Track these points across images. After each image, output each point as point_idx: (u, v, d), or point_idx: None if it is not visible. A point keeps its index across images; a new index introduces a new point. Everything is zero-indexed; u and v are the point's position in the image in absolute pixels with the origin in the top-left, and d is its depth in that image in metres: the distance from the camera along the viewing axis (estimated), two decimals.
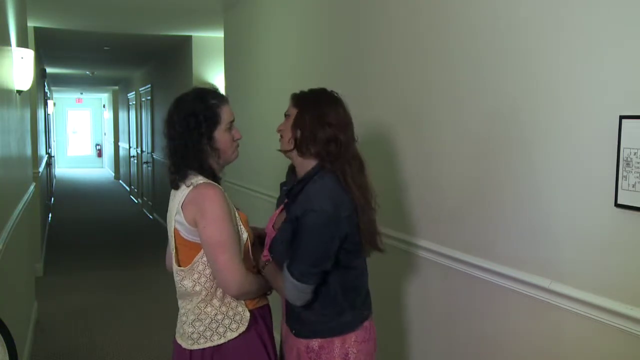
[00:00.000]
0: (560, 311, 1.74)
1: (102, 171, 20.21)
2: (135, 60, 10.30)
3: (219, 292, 1.98)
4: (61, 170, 18.80)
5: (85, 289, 5.97)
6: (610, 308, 1.57)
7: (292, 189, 2.01)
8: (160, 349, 4.32)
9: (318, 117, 1.96)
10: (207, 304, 1.98)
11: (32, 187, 5.06)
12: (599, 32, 1.61)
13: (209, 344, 1.96)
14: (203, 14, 5.97)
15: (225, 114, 2.02)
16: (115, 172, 17.19)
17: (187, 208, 1.93)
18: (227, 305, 1.99)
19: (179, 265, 2.00)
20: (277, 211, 2.15)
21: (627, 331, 1.53)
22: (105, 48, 8.60)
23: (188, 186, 1.95)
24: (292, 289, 1.92)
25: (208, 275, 1.97)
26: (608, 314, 1.58)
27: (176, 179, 1.99)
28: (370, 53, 2.84)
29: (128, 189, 14.07)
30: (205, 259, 1.96)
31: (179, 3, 5.54)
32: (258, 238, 2.16)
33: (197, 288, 1.98)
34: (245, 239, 2.01)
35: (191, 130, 1.96)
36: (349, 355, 2.00)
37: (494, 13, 2.01)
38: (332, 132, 1.95)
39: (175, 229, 1.98)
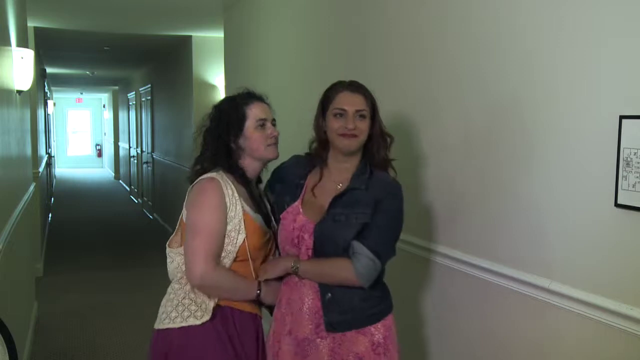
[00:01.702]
0: (560, 311, 1.74)
1: (102, 171, 20.21)
2: (135, 60, 10.30)
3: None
4: (61, 170, 18.79)
5: (85, 289, 5.97)
6: (611, 308, 1.57)
7: (355, 185, 1.97)
8: None
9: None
10: (180, 287, 2.01)
11: (32, 187, 5.06)
12: (599, 32, 1.61)
13: (170, 325, 1.96)
14: (203, 14, 5.97)
15: (253, 111, 2.05)
16: (115, 172, 17.19)
17: (188, 196, 2.03)
18: (197, 292, 1.98)
19: (169, 246, 2.08)
20: (296, 204, 2.01)
21: (627, 331, 1.53)
22: (105, 48, 8.60)
23: (200, 179, 2.02)
24: (369, 266, 1.87)
25: None
26: (608, 314, 1.58)
27: (194, 174, 2.06)
28: (370, 52, 2.84)
29: (128, 189, 14.07)
30: None
31: (179, 3, 5.54)
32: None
33: (179, 274, 2.03)
34: (241, 240, 1.97)
35: (218, 130, 2.04)
36: (399, 349, 2.03)
37: (494, 14, 2.01)
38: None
39: (181, 217, 2.07)
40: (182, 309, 1.97)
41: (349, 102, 1.97)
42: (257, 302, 2.06)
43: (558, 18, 1.74)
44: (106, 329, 4.79)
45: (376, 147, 2.01)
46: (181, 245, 2.03)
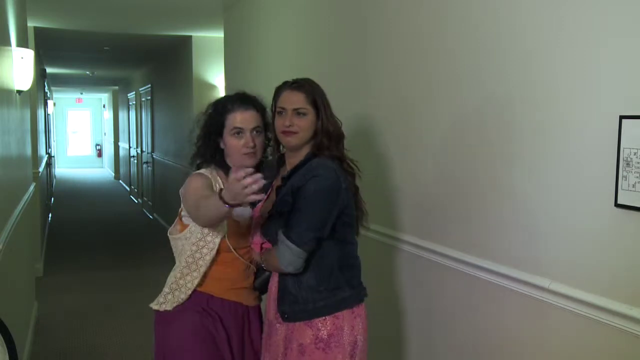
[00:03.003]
0: (560, 311, 1.74)
1: (102, 171, 20.20)
2: (135, 60, 10.30)
3: (187, 269, 2.14)
4: (61, 170, 18.78)
5: (85, 289, 5.97)
6: (610, 308, 1.57)
7: (292, 173, 2.06)
8: None
9: (329, 111, 2.10)
10: (176, 272, 2.17)
11: (32, 187, 5.06)
12: (599, 32, 1.61)
13: (156, 307, 2.18)
14: (203, 14, 5.97)
15: (232, 119, 2.11)
16: (115, 172, 17.19)
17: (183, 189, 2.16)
18: (185, 279, 2.14)
19: (169, 234, 2.25)
20: (262, 201, 2.15)
21: (626, 331, 1.53)
22: (105, 48, 8.60)
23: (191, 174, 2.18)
24: (285, 252, 1.95)
25: (188, 253, 2.13)
26: (608, 314, 1.58)
27: (192, 166, 2.23)
28: (370, 52, 2.83)
29: (128, 189, 14.06)
30: (188, 236, 2.15)
31: (179, 3, 5.53)
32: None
33: (176, 259, 2.21)
34: (221, 236, 2.11)
35: (204, 130, 2.17)
36: (357, 343, 2.01)
37: (493, 13, 2.01)
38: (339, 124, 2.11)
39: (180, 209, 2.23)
40: (168, 290, 2.16)
41: (288, 100, 2.07)
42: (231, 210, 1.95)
43: (558, 18, 1.74)
44: (106, 329, 4.78)
45: (324, 144, 2.05)
46: (180, 234, 2.18)
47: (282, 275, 2.05)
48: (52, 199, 11.90)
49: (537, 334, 1.85)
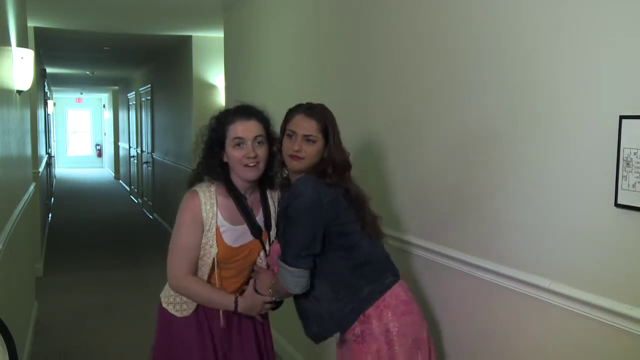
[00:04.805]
0: (560, 311, 1.74)
1: (102, 171, 20.20)
2: (135, 60, 10.30)
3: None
4: (61, 170, 18.78)
5: (85, 289, 5.97)
6: (610, 308, 1.57)
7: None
8: None
9: (338, 139, 2.12)
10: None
11: (32, 187, 5.06)
12: (599, 32, 1.61)
13: (163, 304, 2.24)
14: (203, 14, 5.97)
15: (233, 129, 2.10)
16: (115, 172, 17.19)
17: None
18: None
19: None
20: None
21: (627, 331, 1.53)
22: (105, 48, 8.60)
23: (187, 192, 2.17)
24: (287, 275, 2.02)
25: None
26: (608, 314, 1.58)
27: (193, 178, 2.21)
28: (370, 52, 2.83)
29: (128, 189, 14.06)
30: None
31: (179, 3, 5.53)
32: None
33: None
34: (214, 253, 2.13)
35: (208, 143, 2.16)
36: (391, 330, 2.03)
37: (493, 14, 2.01)
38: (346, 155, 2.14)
39: None
40: (171, 298, 2.22)
41: (300, 125, 2.08)
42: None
43: (558, 18, 1.74)
44: (106, 329, 4.79)
45: (327, 172, 2.06)
46: None
47: (297, 302, 2.14)
48: (52, 199, 11.90)
49: (537, 334, 1.85)
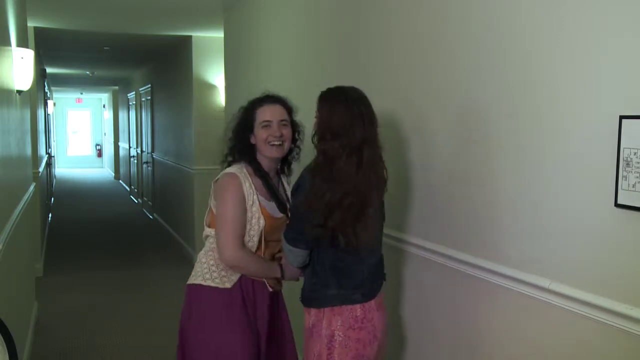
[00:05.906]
0: (560, 311, 1.74)
1: (102, 171, 20.21)
2: (135, 60, 10.30)
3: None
4: (61, 170, 18.79)
5: (85, 289, 5.97)
6: (610, 308, 1.57)
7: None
8: (160, 349, 4.32)
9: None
10: (212, 254, 2.38)
11: (32, 187, 5.06)
12: (599, 32, 1.61)
13: (200, 282, 2.35)
14: (203, 14, 5.97)
15: (261, 113, 2.36)
16: (115, 172, 17.18)
17: (214, 187, 2.39)
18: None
19: (206, 224, 2.47)
20: None
21: (627, 331, 1.53)
22: (105, 48, 8.60)
23: (223, 173, 2.37)
24: (286, 250, 2.22)
25: None
26: (608, 314, 1.58)
27: (225, 162, 2.43)
28: (370, 52, 2.84)
29: (128, 189, 14.06)
30: None
31: (179, 3, 5.53)
32: None
33: (207, 244, 2.44)
34: (262, 225, 2.32)
35: (238, 128, 2.40)
36: (335, 338, 2.12)
37: (493, 14, 2.01)
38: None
39: (209, 203, 2.44)
40: (207, 270, 2.35)
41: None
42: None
43: (558, 18, 1.74)
44: (106, 329, 4.79)
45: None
46: (209, 225, 2.43)
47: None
48: (52, 199, 11.90)
49: (537, 334, 1.85)
